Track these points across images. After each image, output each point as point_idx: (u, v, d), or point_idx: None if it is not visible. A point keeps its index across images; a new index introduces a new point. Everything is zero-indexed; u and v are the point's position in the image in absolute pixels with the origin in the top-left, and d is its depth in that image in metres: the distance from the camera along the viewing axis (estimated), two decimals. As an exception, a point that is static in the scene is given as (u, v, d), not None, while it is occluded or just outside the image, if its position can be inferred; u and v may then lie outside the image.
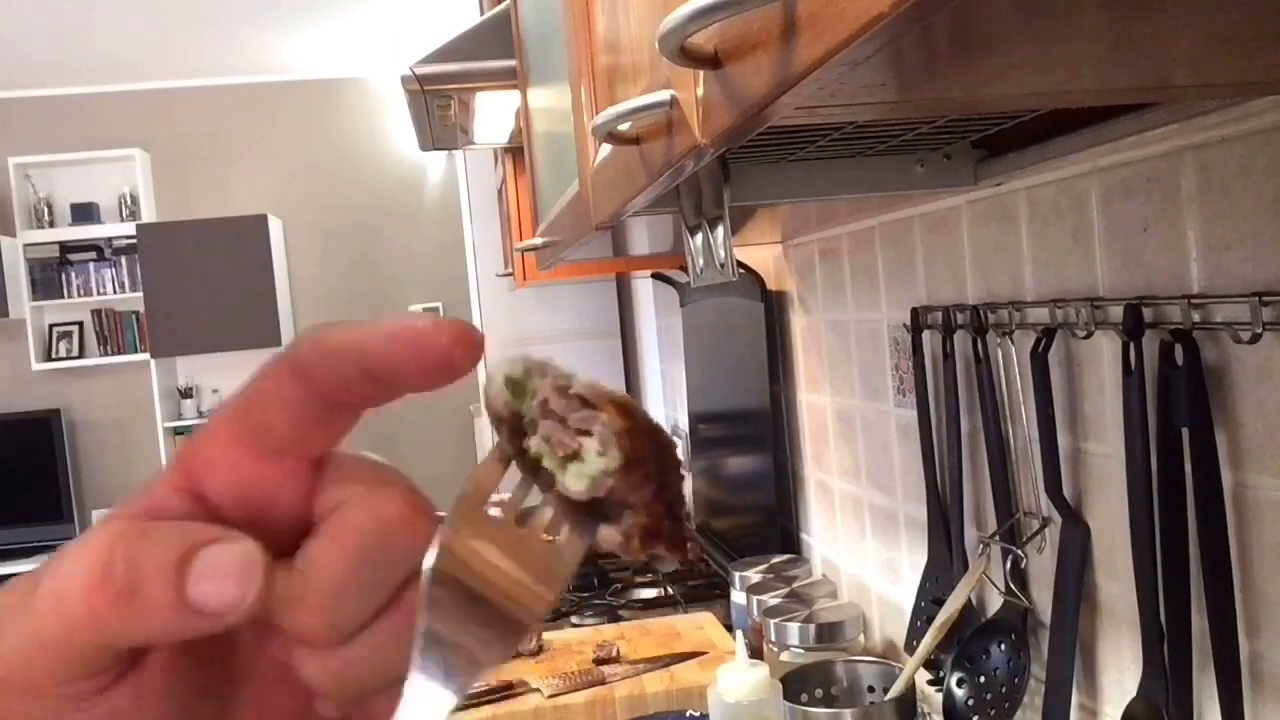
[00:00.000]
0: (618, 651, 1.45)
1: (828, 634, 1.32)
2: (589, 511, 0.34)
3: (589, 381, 0.34)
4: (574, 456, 0.33)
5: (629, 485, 0.33)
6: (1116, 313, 0.84)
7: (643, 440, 0.33)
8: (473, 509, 0.33)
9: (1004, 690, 1.04)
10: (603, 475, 0.33)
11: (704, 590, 1.85)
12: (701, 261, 0.94)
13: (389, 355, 0.28)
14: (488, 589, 0.32)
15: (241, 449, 0.28)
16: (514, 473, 0.34)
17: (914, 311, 1.22)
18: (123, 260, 5.93)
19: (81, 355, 5.99)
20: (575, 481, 0.33)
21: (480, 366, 0.32)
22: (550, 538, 0.34)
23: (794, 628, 1.33)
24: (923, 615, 1.23)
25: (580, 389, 0.34)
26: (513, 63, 1.62)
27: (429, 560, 0.30)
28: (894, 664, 1.21)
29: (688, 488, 2.38)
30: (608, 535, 0.34)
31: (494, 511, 0.33)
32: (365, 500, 0.29)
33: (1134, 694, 0.85)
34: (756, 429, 1.88)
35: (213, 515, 0.28)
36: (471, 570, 0.32)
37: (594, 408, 0.33)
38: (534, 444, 0.34)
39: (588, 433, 0.33)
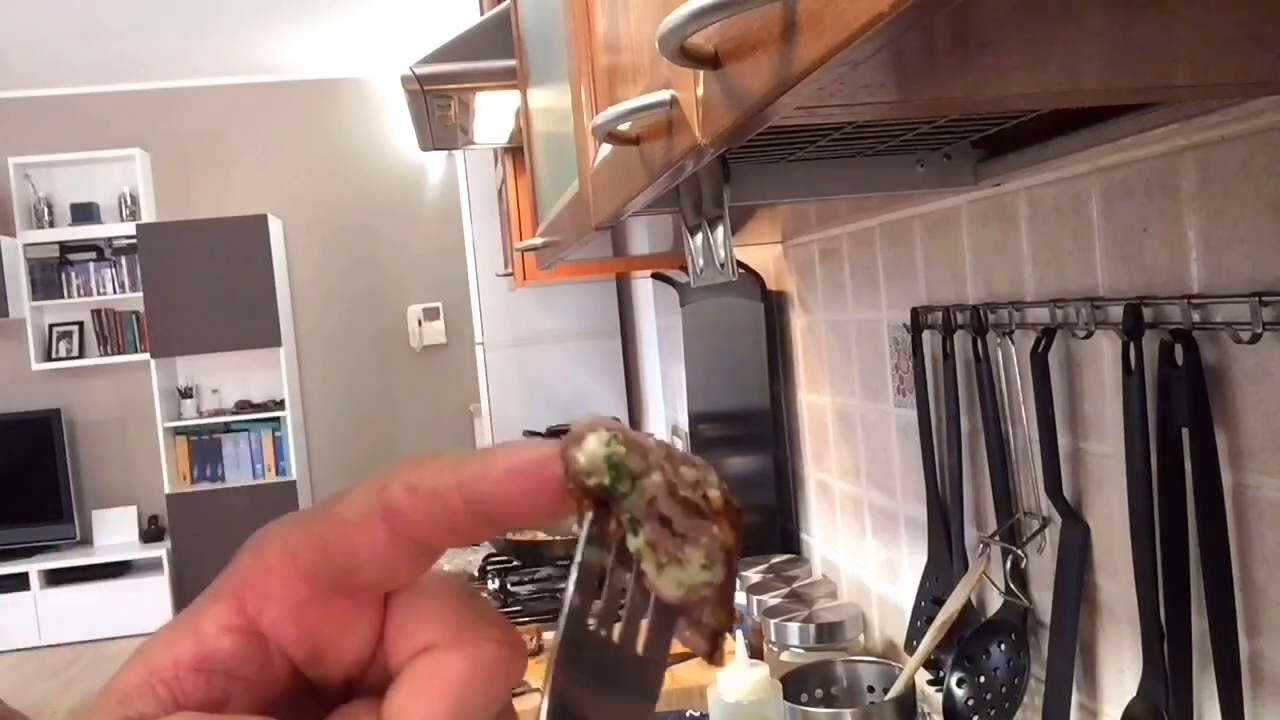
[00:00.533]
0: (618, 651, 1.45)
1: (828, 634, 1.32)
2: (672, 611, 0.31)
3: (694, 477, 0.31)
4: (674, 562, 0.31)
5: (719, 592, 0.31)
6: (1116, 313, 0.84)
7: (738, 547, 0.31)
8: (575, 634, 0.30)
9: (1004, 690, 1.04)
10: (703, 586, 0.31)
11: (704, 590, 1.85)
12: (701, 261, 0.94)
13: (506, 496, 0.26)
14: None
15: (312, 586, 0.26)
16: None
17: (914, 311, 1.22)
18: (123, 260, 5.93)
19: (81, 355, 5.99)
20: (670, 588, 0.31)
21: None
22: (644, 653, 0.31)
23: (794, 628, 1.33)
24: (923, 615, 1.23)
25: (690, 492, 0.31)
26: (513, 63, 1.62)
27: (544, 713, 0.28)
28: (894, 664, 1.21)
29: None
30: (691, 640, 0.32)
31: (590, 623, 0.30)
32: (459, 644, 0.26)
33: (1134, 694, 0.85)
34: (756, 429, 1.88)
35: (273, 654, 0.26)
36: (581, 711, 0.30)
37: (704, 518, 0.31)
38: (635, 545, 0.31)
39: (692, 539, 0.31)
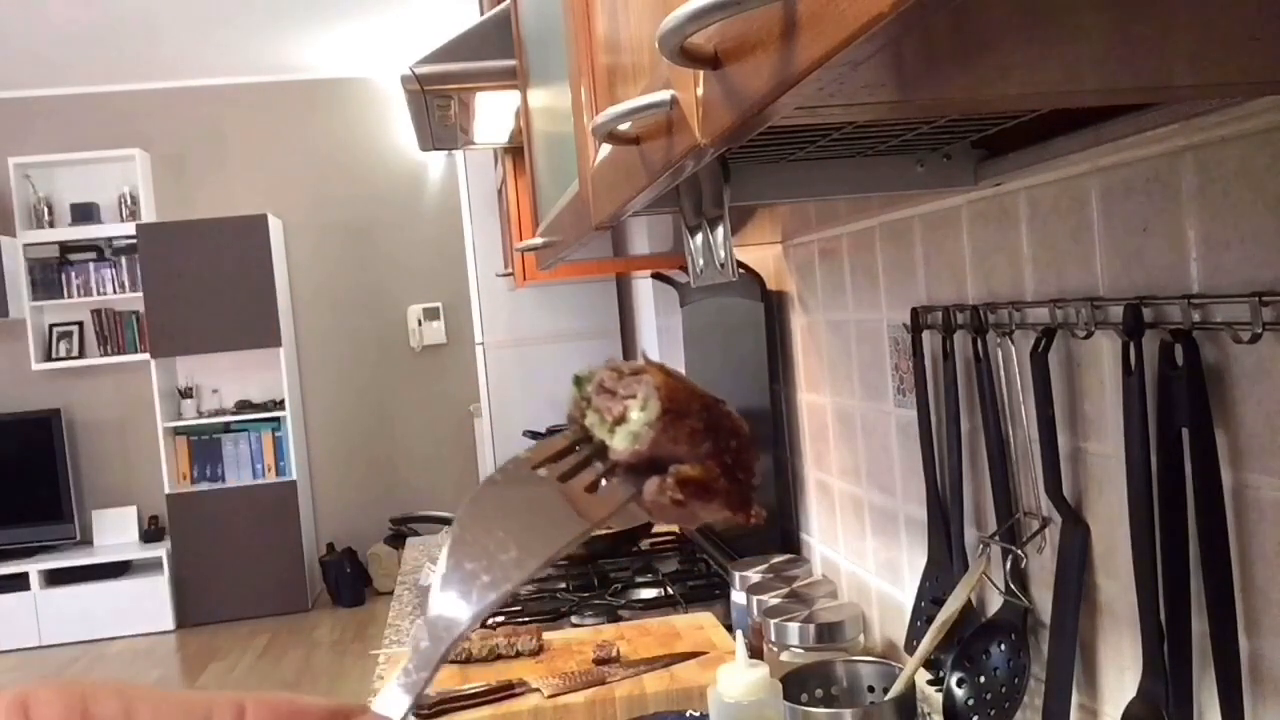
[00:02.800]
0: (618, 651, 1.45)
1: (828, 634, 1.32)
2: (651, 471, 0.36)
3: (647, 360, 0.37)
4: (621, 420, 0.36)
5: (675, 439, 0.35)
6: (1116, 313, 0.84)
7: (687, 396, 0.36)
8: (520, 467, 0.36)
9: (1004, 690, 1.04)
10: (645, 428, 0.35)
11: (704, 590, 1.85)
12: (701, 261, 0.94)
13: None
14: (515, 515, 0.35)
15: None
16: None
17: (914, 311, 1.22)
18: (123, 260, 5.93)
19: (81, 355, 5.99)
20: (620, 440, 0.36)
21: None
22: (591, 491, 0.37)
23: (794, 628, 1.33)
24: (923, 615, 1.23)
25: (624, 368, 0.37)
26: (513, 63, 1.62)
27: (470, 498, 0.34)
28: (894, 664, 1.21)
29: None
30: (650, 484, 0.36)
31: (541, 472, 0.36)
32: None
33: (1134, 694, 0.85)
34: (756, 429, 1.88)
35: None
36: (500, 501, 0.35)
37: (639, 374, 0.36)
38: (590, 419, 0.37)
39: (627, 394, 0.36)
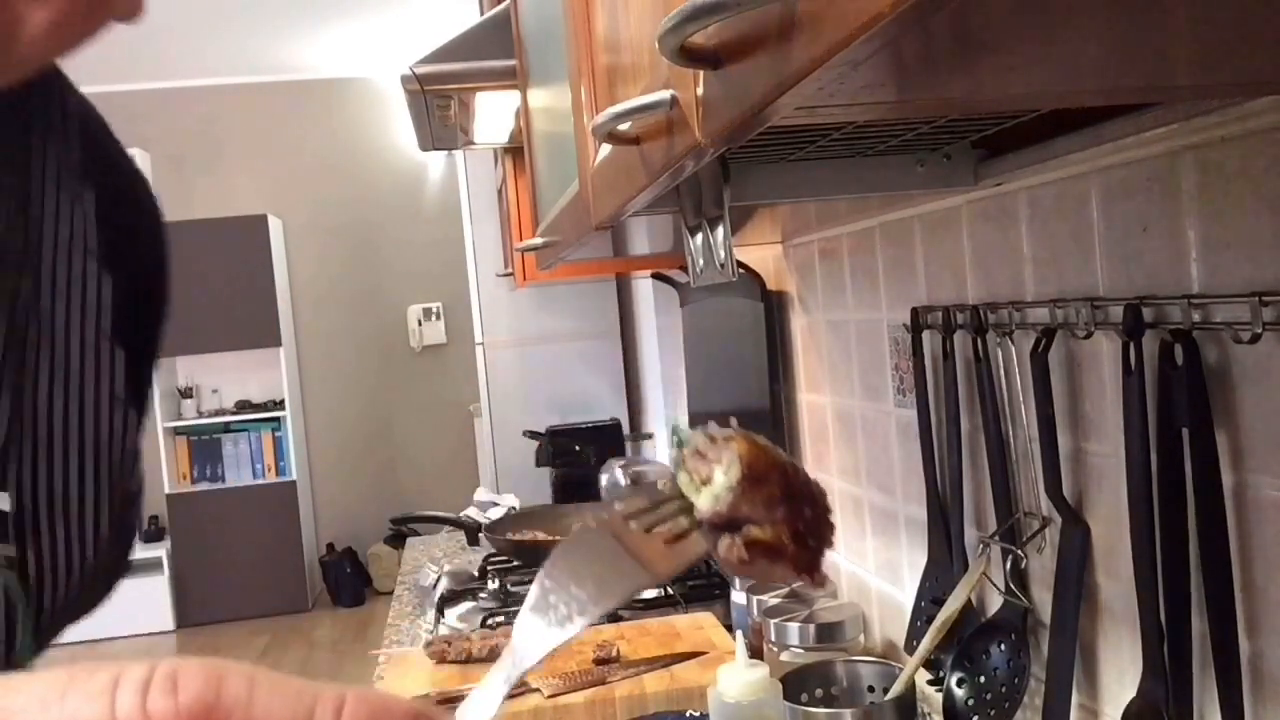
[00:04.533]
0: (618, 651, 1.45)
1: (828, 634, 1.32)
2: (729, 530, 0.40)
3: (738, 429, 0.42)
4: (707, 481, 0.40)
5: (753, 503, 0.40)
6: (1116, 313, 0.84)
7: (767, 465, 0.40)
8: (614, 517, 0.41)
9: (1004, 690, 1.04)
10: (725, 491, 0.39)
11: (704, 590, 1.85)
12: (701, 261, 0.94)
13: None
14: (596, 561, 0.39)
15: None
16: None
17: (914, 311, 1.22)
18: (123, 260, 5.93)
19: (81, 355, 5.98)
20: (704, 500, 0.40)
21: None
22: (670, 543, 0.41)
23: (794, 628, 1.33)
24: (923, 615, 1.23)
25: (723, 434, 0.41)
26: (513, 63, 1.62)
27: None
28: (894, 664, 1.21)
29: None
30: (723, 541, 0.41)
31: (632, 524, 0.41)
32: None
33: (1134, 694, 0.85)
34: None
35: None
36: (587, 547, 0.39)
37: (728, 441, 0.41)
38: (681, 478, 0.42)
39: (714, 458, 0.40)
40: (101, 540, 0.58)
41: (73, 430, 0.57)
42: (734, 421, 0.43)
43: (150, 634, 5.68)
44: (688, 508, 0.41)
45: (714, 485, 0.40)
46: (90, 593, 0.60)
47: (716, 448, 0.41)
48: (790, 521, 0.40)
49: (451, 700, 1.33)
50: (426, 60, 1.70)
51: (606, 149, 0.84)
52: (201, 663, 0.30)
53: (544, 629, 0.37)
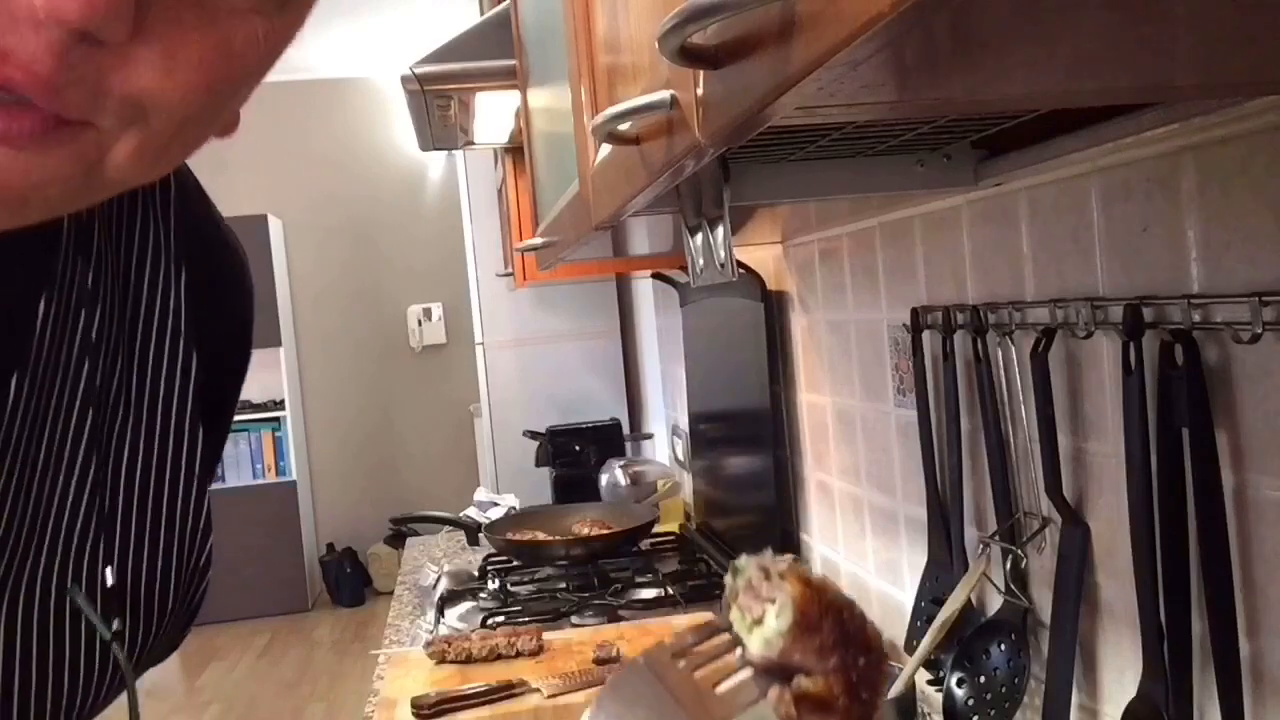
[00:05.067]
0: (618, 651, 1.45)
1: (828, 634, 1.32)
2: (780, 675, 0.38)
3: (794, 565, 0.39)
4: (760, 622, 0.38)
5: (805, 651, 0.38)
6: (1116, 313, 0.84)
7: (822, 609, 0.38)
8: (662, 654, 0.39)
9: (1004, 690, 1.04)
10: (777, 636, 0.38)
11: (704, 590, 1.85)
12: (701, 261, 0.94)
13: None
14: (640, 707, 0.38)
15: None
16: None
17: (914, 311, 1.22)
18: (123, 260, 5.93)
19: (81, 355, 5.98)
20: (755, 644, 0.38)
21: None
22: (721, 689, 0.39)
23: (794, 628, 1.33)
24: (923, 615, 1.23)
25: (778, 568, 0.39)
26: (513, 63, 1.62)
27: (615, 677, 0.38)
28: (894, 664, 1.21)
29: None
30: (772, 691, 0.38)
31: (680, 664, 0.39)
32: None
33: (1134, 694, 0.85)
34: (756, 429, 1.88)
35: None
36: (632, 690, 0.38)
37: (784, 578, 0.39)
38: (733, 615, 0.40)
39: (768, 597, 0.39)
40: (174, 614, 0.60)
41: (159, 507, 0.59)
42: (790, 560, 0.41)
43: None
44: (738, 642, 0.40)
45: (765, 628, 0.38)
46: (151, 662, 0.62)
47: (771, 584, 0.39)
48: (844, 671, 0.38)
49: (451, 700, 1.33)
50: (426, 60, 1.70)
51: (606, 149, 0.84)
52: None
53: None
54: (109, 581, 0.55)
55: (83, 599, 0.54)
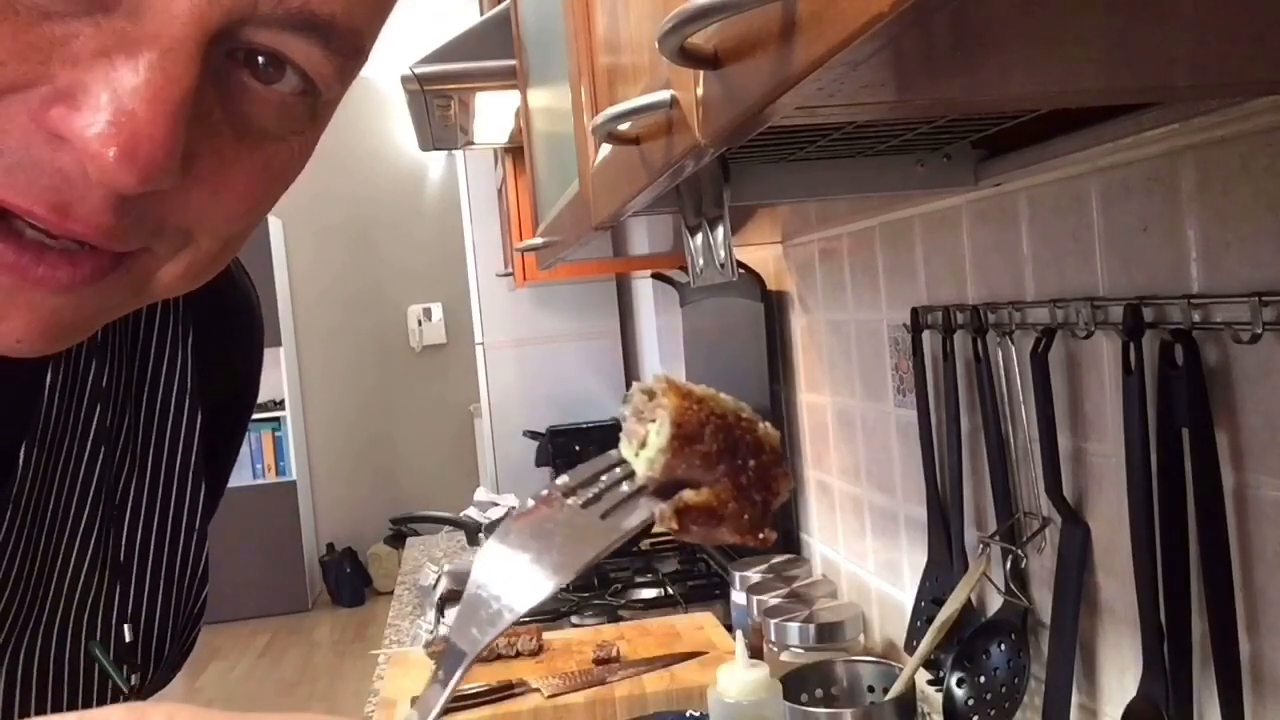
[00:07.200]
0: (618, 651, 1.45)
1: (828, 634, 1.31)
2: (676, 493, 0.37)
3: (672, 381, 0.38)
4: (644, 444, 0.37)
5: (689, 464, 0.36)
6: (1116, 313, 0.84)
7: (700, 419, 0.37)
8: (553, 493, 0.38)
9: (1004, 690, 1.04)
10: (658, 454, 0.36)
11: (704, 590, 1.85)
12: (701, 261, 0.94)
13: None
14: (528, 543, 0.37)
15: None
16: None
17: (914, 311, 1.22)
18: (123, 260, 5.93)
19: (81, 355, 5.98)
20: (640, 466, 0.37)
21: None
22: (606, 518, 0.38)
23: (794, 628, 1.33)
24: (923, 615, 1.23)
25: (659, 386, 0.38)
26: (513, 63, 1.62)
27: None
28: (894, 664, 1.21)
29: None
30: (657, 510, 0.37)
31: (569, 501, 0.38)
32: None
33: (1134, 694, 0.85)
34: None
35: None
36: (525, 529, 0.37)
37: (662, 397, 0.37)
38: (621, 443, 0.39)
39: (648, 416, 0.37)
40: (169, 658, 0.62)
41: (160, 558, 0.60)
42: (656, 376, 0.39)
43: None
44: (631, 474, 0.38)
45: (648, 449, 0.37)
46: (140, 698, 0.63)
47: (651, 405, 0.37)
48: (733, 476, 0.37)
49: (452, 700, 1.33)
50: (426, 60, 1.70)
51: (606, 149, 0.84)
52: (127, 708, 0.31)
53: (476, 628, 0.36)
54: (126, 638, 0.57)
55: (101, 654, 0.55)
